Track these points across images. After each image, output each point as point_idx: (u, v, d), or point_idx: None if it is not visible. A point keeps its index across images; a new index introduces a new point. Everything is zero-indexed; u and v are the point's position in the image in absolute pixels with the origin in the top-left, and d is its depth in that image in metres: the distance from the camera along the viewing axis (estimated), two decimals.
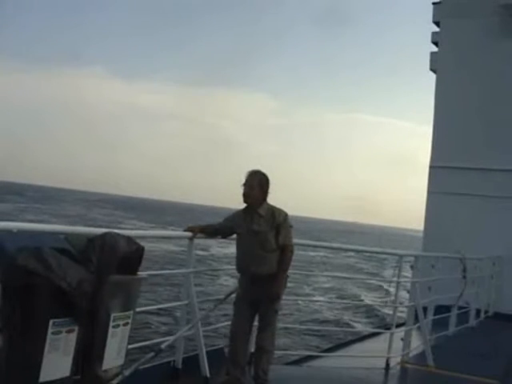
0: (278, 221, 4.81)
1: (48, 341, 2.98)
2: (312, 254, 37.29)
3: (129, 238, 3.57)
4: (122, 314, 3.44)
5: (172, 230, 34.72)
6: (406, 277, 7.55)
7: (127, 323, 3.50)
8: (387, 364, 6.80)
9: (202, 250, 31.93)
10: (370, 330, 12.58)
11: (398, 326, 7.45)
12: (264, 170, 4.97)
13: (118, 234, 3.54)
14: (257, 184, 4.83)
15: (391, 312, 7.69)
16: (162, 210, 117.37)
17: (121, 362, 3.53)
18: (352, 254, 46.05)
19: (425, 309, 7.73)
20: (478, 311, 10.54)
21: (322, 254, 42.11)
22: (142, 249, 3.61)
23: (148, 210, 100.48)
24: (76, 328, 3.12)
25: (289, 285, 5.07)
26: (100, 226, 4.17)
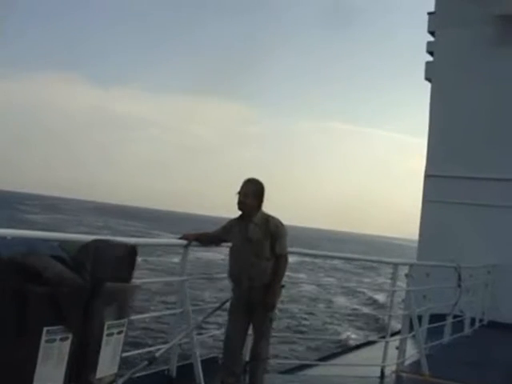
0: (273, 229, 4.80)
1: (41, 349, 2.96)
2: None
3: (122, 244, 3.56)
4: (116, 322, 3.42)
5: None
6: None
7: (121, 331, 3.48)
8: (382, 373, 6.79)
9: (197, 257, 31.81)
10: (364, 338, 12.55)
11: (393, 334, 7.45)
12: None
13: (112, 240, 3.53)
14: (251, 192, 4.84)
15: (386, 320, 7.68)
16: (161, 218, 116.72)
17: (114, 370, 3.50)
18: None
19: (420, 317, 7.73)
20: (473, 320, 10.55)
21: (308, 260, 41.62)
22: (134, 252, 3.60)
23: (155, 220, 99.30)
24: (70, 336, 3.10)
25: (283, 293, 5.06)
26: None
